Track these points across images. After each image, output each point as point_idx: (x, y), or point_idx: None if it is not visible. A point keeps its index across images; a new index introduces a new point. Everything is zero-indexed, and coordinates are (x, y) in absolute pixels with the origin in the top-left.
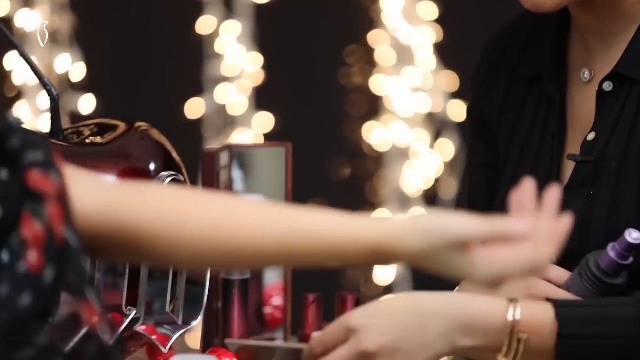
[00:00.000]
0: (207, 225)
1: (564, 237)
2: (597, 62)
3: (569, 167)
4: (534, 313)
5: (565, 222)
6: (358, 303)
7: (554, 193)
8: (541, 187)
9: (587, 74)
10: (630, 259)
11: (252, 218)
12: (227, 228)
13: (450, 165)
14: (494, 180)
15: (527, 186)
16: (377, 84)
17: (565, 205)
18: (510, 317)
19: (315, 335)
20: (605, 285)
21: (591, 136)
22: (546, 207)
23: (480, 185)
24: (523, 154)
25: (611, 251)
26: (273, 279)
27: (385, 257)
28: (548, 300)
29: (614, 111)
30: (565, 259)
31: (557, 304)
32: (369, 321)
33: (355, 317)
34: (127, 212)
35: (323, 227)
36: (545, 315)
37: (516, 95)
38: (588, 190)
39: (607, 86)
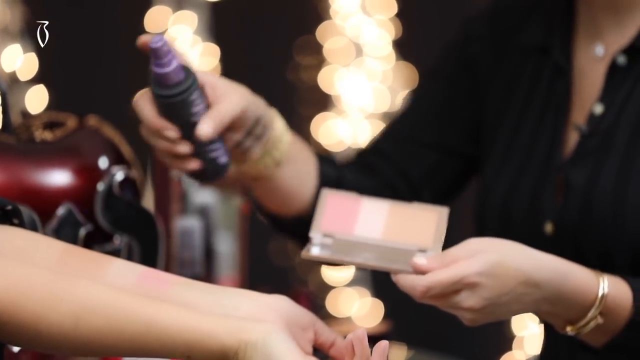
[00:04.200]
0: (67, 322)
1: None
2: (607, 37)
3: (571, 138)
4: (617, 294)
5: None
6: (310, 299)
7: (382, 349)
8: (542, 155)
9: (600, 49)
10: (157, 67)
11: (110, 314)
12: (86, 325)
13: None
14: (454, 105)
15: (359, 334)
16: (329, 79)
17: (567, 177)
18: (600, 294)
19: (429, 279)
20: (157, 97)
21: (599, 109)
22: None
23: (435, 98)
24: (520, 122)
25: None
26: (227, 272)
27: None
28: (625, 280)
29: (626, 85)
30: (568, 233)
31: (635, 288)
32: (486, 281)
33: (475, 273)
34: None
35: (177, 325)
36: (624, 299)
37: (510, 63)
38: (592, 162)
39: (622, 60)
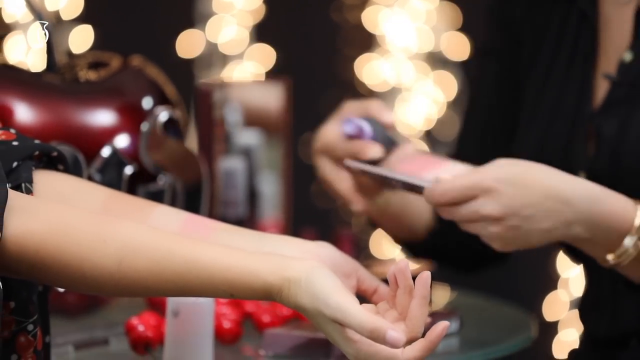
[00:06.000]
0: (110, 263)
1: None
2: None
3: (601, 87)
4: None
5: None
6: (353, 241)
7: (424, 279)
8: (571, 106)
9: None
10: None
11: (152, 255)
12: (128, 265)
13: (452, 105)
14: (506, 73)
15: (402, 265)
16: (372, 19)
17: (597, 127)
18: (637, 222)
19: (446, 183)
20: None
21: (628, 56)
22: (417, 292)
23: (489, 78)
24: (549, 72)
25: None
26: (270, 212)
27: (278, 301)
28: None
29: None
30: (601, 184)
31: None
32: (505, 188)
33: (492, 178)
34: (37, 240)
35: (219, 264)
36: None
37: (539, 14)
38: (623, 112)
39: None
